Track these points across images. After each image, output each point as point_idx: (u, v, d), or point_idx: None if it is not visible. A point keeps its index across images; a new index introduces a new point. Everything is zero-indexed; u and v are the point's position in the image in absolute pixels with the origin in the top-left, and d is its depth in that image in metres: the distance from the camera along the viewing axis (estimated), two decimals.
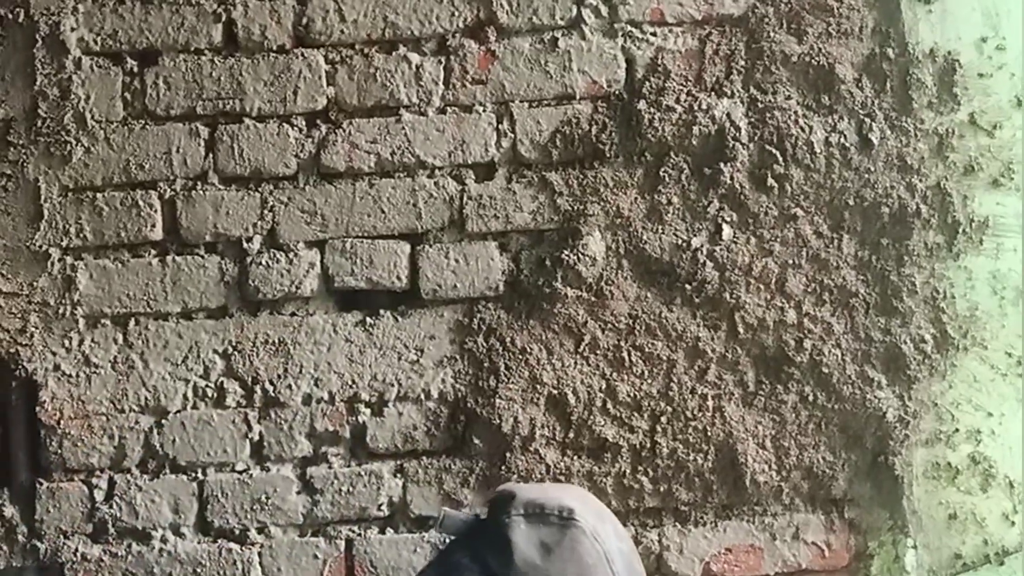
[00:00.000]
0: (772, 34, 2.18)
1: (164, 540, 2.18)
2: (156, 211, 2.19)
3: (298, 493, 2.19)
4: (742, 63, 2.19)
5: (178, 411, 2.19)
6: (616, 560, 1.20)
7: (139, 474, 2.20)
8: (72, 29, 2.19)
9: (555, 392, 2.18)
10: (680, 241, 2.18)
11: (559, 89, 2.20)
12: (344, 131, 2.20)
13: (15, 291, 2.18)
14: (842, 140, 2.18)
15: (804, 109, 2.18)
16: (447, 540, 1.29)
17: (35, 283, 2.18)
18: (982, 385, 2.20)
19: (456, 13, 2.20)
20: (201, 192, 2.19)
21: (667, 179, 2.18)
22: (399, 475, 2.20)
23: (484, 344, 2.19)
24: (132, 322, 2.19)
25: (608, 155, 2.19)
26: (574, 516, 1.20)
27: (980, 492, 2.20)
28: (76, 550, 2.17)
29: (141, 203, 2.19)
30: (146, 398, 2.19)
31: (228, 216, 2.19)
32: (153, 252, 2.20)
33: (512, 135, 2.20)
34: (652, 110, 2.18)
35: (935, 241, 2.19)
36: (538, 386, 2.18)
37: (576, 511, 1.21)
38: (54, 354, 2.18)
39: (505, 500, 1.25)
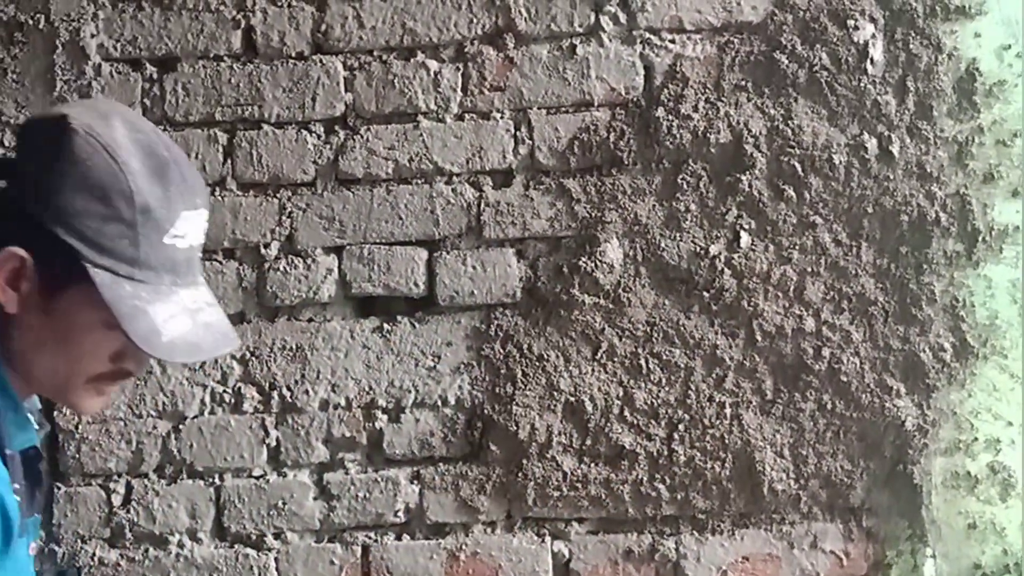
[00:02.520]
0: (790, 41, 2.18)
1: (181, 545, 2.19)
2: None
3: (315, 499, 2.20)
4: (760, 70, 2.19)
5: (195, 416, 2.20)
6: (121, 149, 1.16)
7: (156, 479, 2.20)
8: (92, 35, 2.20)
9: (572, 399, 2.18)
10: (698, 248, 2.18)
11: (577, 96, 2.20)
12: (362, 137, 2.20)
13: None
14: (861, 148, 2.17)
15: (823, 116, 2.17)
16: None
17: None
18: (1002, 394, 2.18)
19: (474, 20, 2.20)
20: (219, 198, 2.19)
21: (685, 186, 2.18)
22: (416, 481, 2.20)
23: (501, 351, 2.19)
24: None
25: (626, 162, 2.18)
26: (68, 120, 1.16)
27: (999, 501, 2.18)
28: (94, 554, 2.18)
29: None
30: (164, 403, 2.20)
31: (246, 222, 2.20)
32: None
33: (530, 142, 2.20)
34: (670, 117, 2.18)
35: (954, 249, 2.18)
36: (555, 393, 2.18)
37: (70, 115, 1.17)
38: None
39: (19, 133, 1.25)
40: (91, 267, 1.14)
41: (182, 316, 1.18)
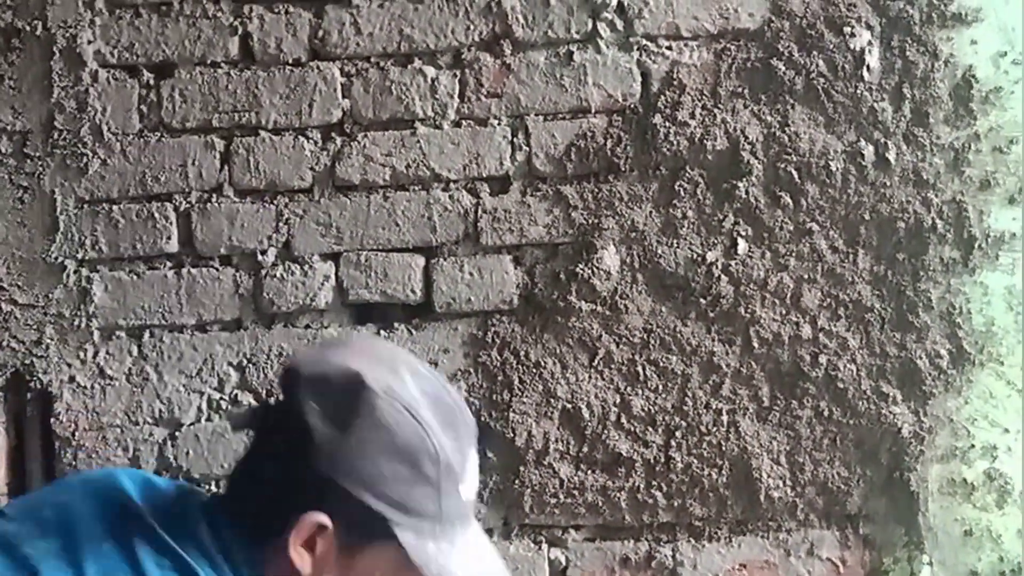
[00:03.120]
0: (787, 48, 2.18)
1: None
2: (171, 223, 2.20)
3: None
4: (757, 77, 2.19)
5: (192, 424, 2.20)
6: (420, 407, 1.14)
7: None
8: (89, 42, 2.19)
9: (569, 406, 2.18)
10: (695, 255, 2.18)
11: (574, 103, 2.20)
12: (359, 144, 2.20)
13: (30, 303, 2.19)
14: (858, 155, 2.17)
15: (819, 123, 2.18)
16: (250, 436, 1.23)
17: (50, 295, 2.19)
18: (998, 401, 2.19)
19: (471, 27, 2.20)
20: (216, 205, 2.19)
21: (682, 193, 2.18)
22: None
23: (498, 358, 2.19)
24: (147, 334, 2.20)
25: (623, 169, 2.19)
26: (362, 379, 1.14)
27: (996, 509, 2.18)
28: None
29: (156, 215, 2.20)
30: (160, 410, 2.19)
31: (243, 229, 2.20)
32: (168, 264, 2.21)
33: (527, 148, 2.20)
34: (667, 124, 2.18)
35: (951, 256, 2.18)
36: (552, 400, 2.18)
37: (363, 372, 1.14)
38: (69, 366, 2.19)
39: (290, 380, 1.18)
40: (399, 529, 1.13)
41: (473, 564, 1.18)
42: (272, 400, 1.21)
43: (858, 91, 2.17)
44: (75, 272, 2.19)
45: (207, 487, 2.19)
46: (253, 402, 2.19)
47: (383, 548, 1.14)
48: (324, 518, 1.13)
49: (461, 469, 1.17)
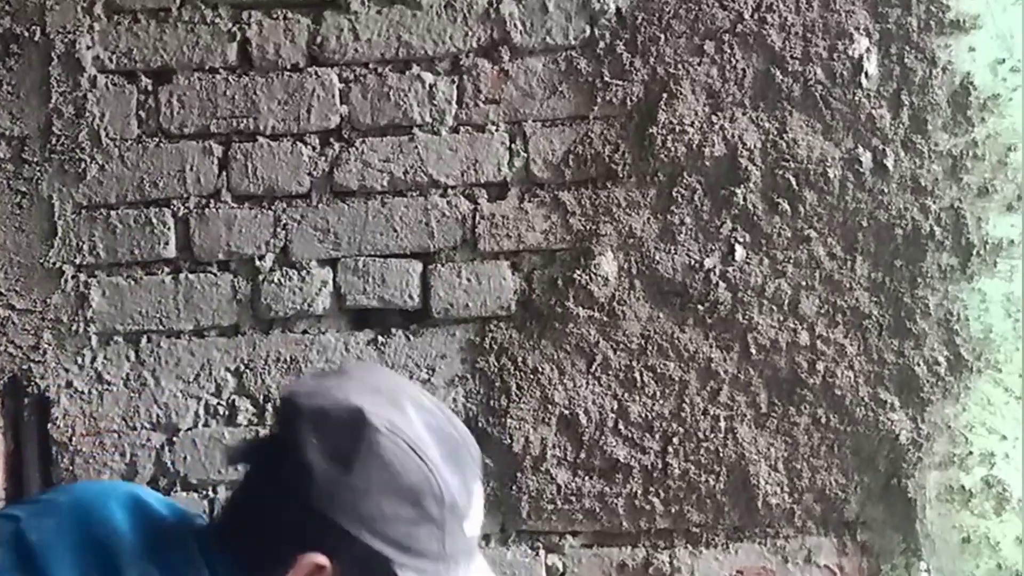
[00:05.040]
0: (785, 54, 2.18)
1: None
2: (169, 229, 2.20)
3: None
4: (755, 84, 2.19)
5: (189, 429, 2.20)
6: (424, 444, 1.10)
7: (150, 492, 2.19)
8: (88, 47, 2.20)
9: (567, 412, 2.18)
10: (693, 262, 2.18)
11: (572, 109, 2.20)
12: (357, 150, 2.20)
13: (28, 308, 2.19)
14: (856, 161, 2.17)
15: (817, 130, 2.18)
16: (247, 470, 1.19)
17: (48, 300, 2.19)
18: (996, 408, 2.18)
19: (470, 33, 2.20)
20: (214, 210, 2.19)
21: (680, 199, 2.18)
22: None
23: (496, 363, 2.19)
24: (144, 339, 2.20)
25: (621, 175, 2.19)
26: (363, 415, 1.09)
27: (994, 515, 2.18)
28: None
29: (154, 221, 2.20)
30: (158, 415, 2.19)
31: (241, 234, 2.20)
32: (166, 270, 2.21)
33: (525, 154, 2.20)
34: (665, 130, 2.18)
35: (949, 263, 2.18)
36: (550, 406, 2.18)
37: (364, 408, 1.09)
38: (67, 371, 2.19)
39: (289, 413, 1.13)
40: (401, 570, 1.10)
41: None
42: (269, 431, 1.16)
43: (856, 98, 2.17)
44: (73, 277, 2.19)
45: (205, 492, 2.19)
46: (251, 408, 2.19)
47: None
48: (323, 559, 1.09)
49: (466, 505, 1.14)
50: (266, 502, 1.13)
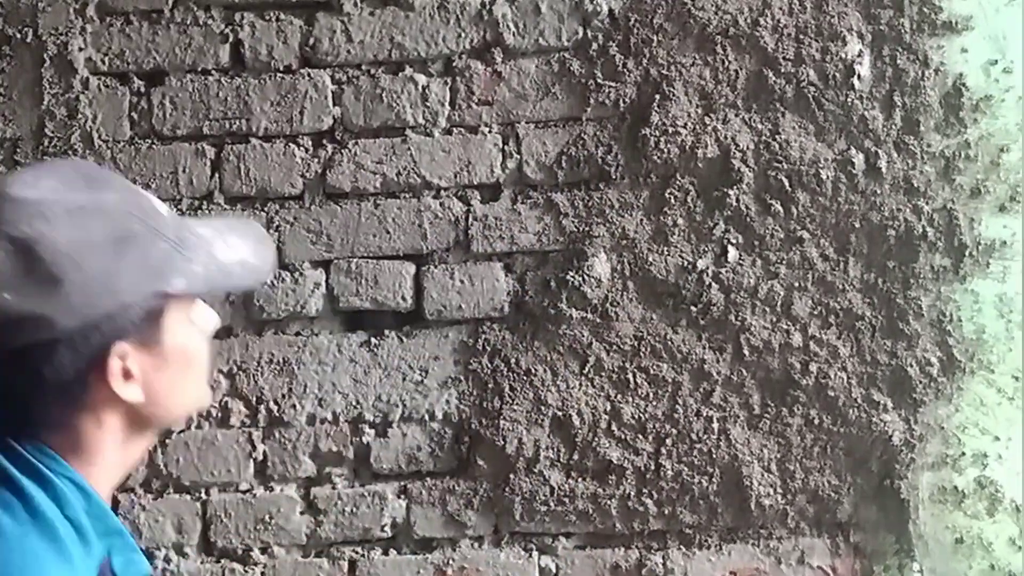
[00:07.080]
0: (777, 56, 2.18)
1: (167, 560, 2.18)
2: None
3: (302, 513, 2.19)
4: (748, 85, 2.19)
5: (182, 431, 2.19)
6: (51, 212, 1.05)
7: (143, 493, 2.20)
8: (80, 49, 2.20)
9: (560, 413, 2.18)
10: (686, 263, 2.18)
11: (565, 110, 2.20)
12: (350, 151, 2.20)
13: None
14: (848, 163, 2.17)
15: (810, 132, 2.18)
16: None
17: None
18: (989, 409, 2.18)
19: (462, 34, 2.20)
20: (207, 212, 2.19)
21: (673, 201, 2.18)
22: (403, 496, 2.19)
23: (489, 365, 2.19)
24: None
25: (614, 177, 2.19)
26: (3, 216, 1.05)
27: (987, 516, 2.18)
28: None
29: None
30: None
31: None
32: None
33: (518, 156, 2.20)
34: (658, 132, 2.18)
35: (941, 264, 2.18)
36: (543, 407, 2.18)
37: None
38: None
39: None
40: (167, 287, 1.11)
41: (227, 235, 1.20)
42: None
43: (849, 99, 2.17)
44: None
45: (198, 494, 2.19)
46: (243, 409, 2.19)
47: (170, 312, 1.12)
48: (119, 346, 1.07)
49: (146, 201, 1.13)
50: (25, 375, 1.06)
